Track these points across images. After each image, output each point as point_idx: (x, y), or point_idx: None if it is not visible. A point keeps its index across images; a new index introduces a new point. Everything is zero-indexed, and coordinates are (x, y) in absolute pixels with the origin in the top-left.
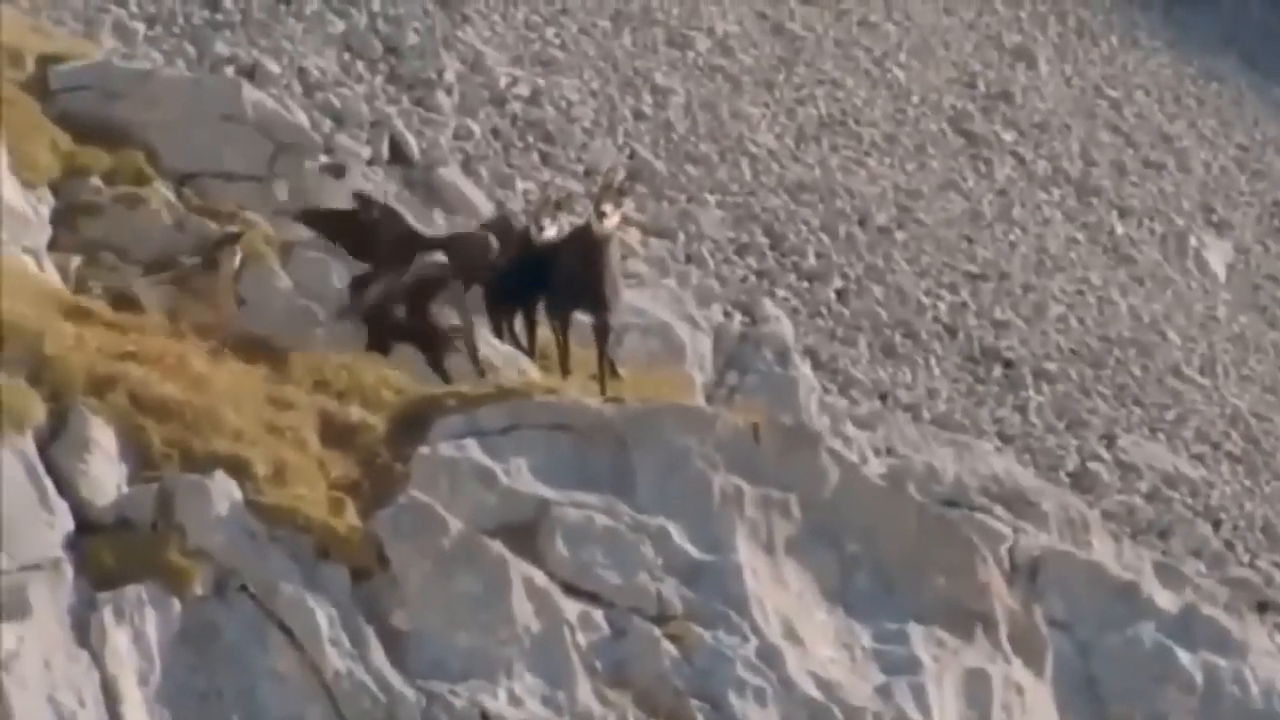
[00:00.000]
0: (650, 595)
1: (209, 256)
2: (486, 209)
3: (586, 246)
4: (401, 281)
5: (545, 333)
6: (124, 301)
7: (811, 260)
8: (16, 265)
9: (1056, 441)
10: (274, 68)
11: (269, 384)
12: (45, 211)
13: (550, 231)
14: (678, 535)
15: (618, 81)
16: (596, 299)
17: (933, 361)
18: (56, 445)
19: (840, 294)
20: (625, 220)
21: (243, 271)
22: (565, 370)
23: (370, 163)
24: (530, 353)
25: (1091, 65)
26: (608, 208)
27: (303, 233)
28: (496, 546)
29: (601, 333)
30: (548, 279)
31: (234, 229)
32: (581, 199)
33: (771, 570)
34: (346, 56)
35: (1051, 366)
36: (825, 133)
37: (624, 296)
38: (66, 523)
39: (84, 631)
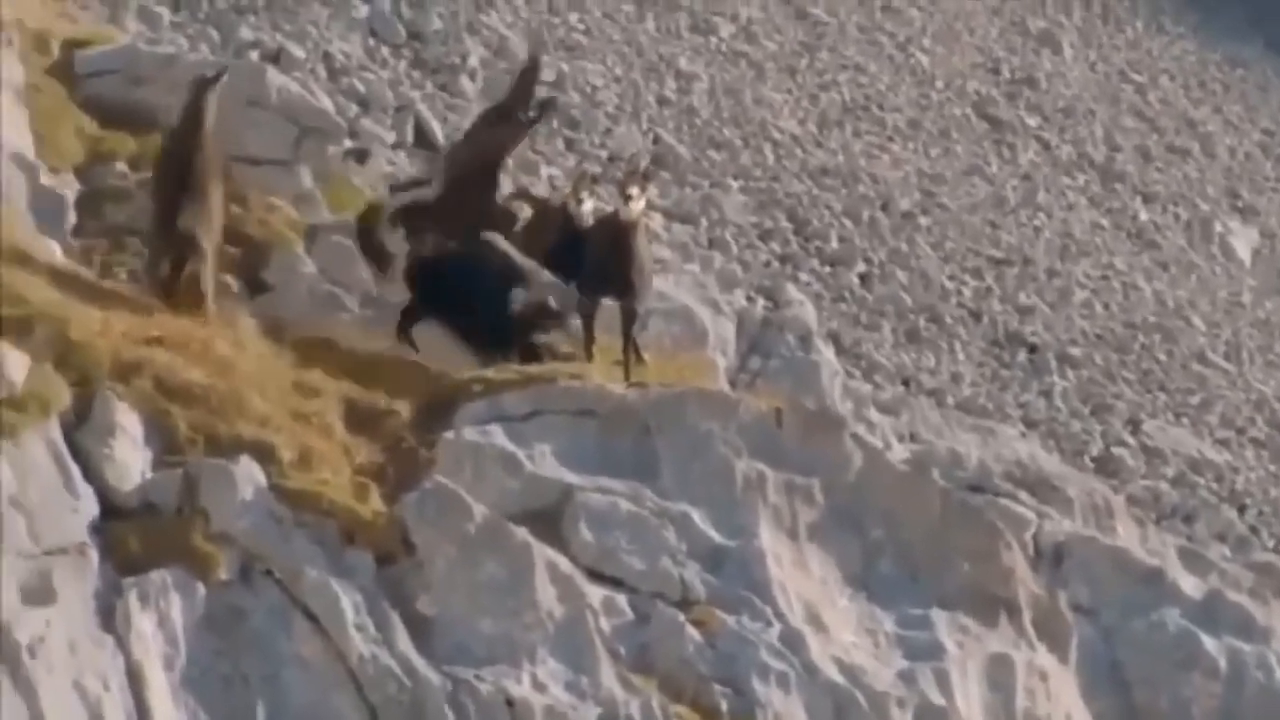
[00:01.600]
0: (674, 580)
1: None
2: (510, 193)
3: (613, 232)
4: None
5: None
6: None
7: (835, 245)
8: (42, 251)
9: (1081, 426)
10: (299, 52)
11: (295, 369)
12: (70, 197)
13: (588, 206)
14: (701, 520)
15: (641, 67)
16: (624, 285)
17: (957, 346)
18: (82, 430)
19: (864, 279)
20: (649, 206)
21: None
22: (589, 355)
23: (395, 147)
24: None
25: (1116, 50)
26: (633, 192)
27: (326, 216)
28: (521, 532)
29: (628, 319)
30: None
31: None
32: (606, 183)
33: (795, 555)
34: (371, 41)
35: (1076, 352)
36: (848, 118)
37: (653, 283)
38: (91, 508)
39: (109, 616)
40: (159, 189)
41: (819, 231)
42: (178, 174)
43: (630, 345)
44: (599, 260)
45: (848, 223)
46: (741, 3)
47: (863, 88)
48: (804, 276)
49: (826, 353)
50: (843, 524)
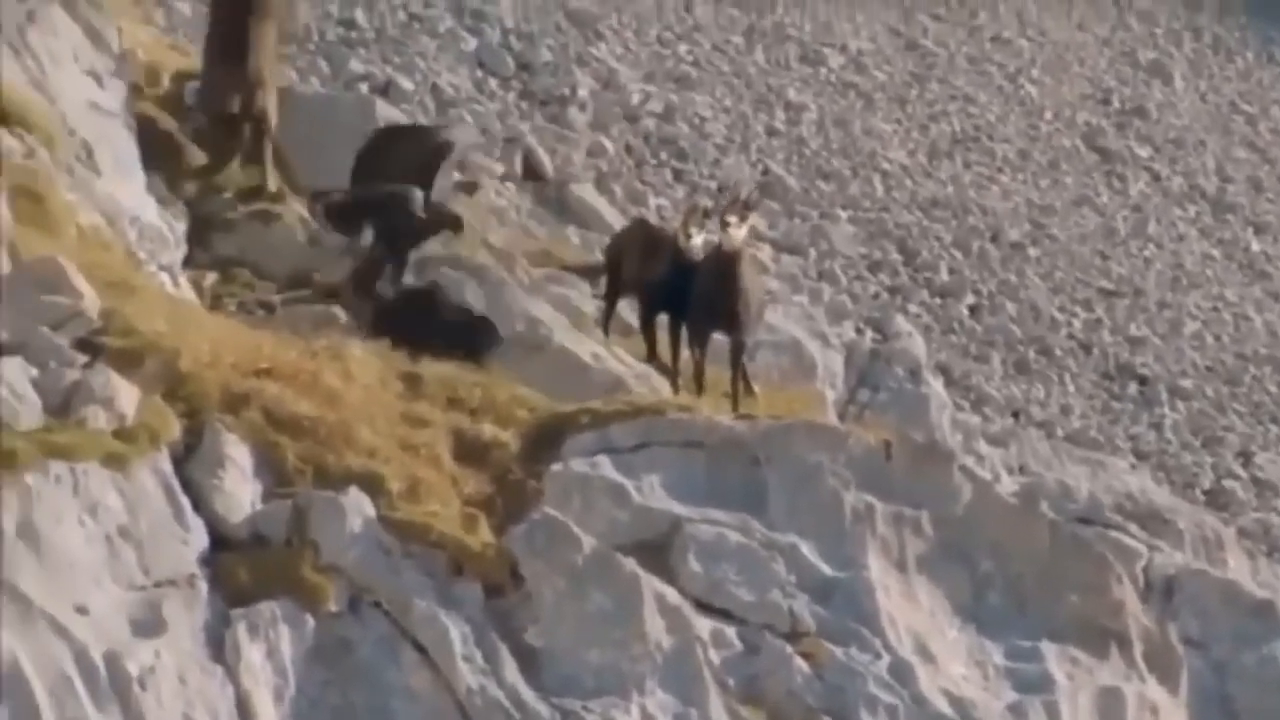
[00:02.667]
0: (782, 612)
1: None
2: (620, 226)
3: (719, 265)
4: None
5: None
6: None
7: (944, 276)
8: (153, 283)
9: (1192, 459)
10: (407, 85)
11: (403, 401)
12: (180, 229)
13: (698, 240)
14: (809, 552)
15: (750, 98)
16: (731, 318)
17: (1067, 378)
18: (192, 462)
19: (973, 310)
20: (756, 236)
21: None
22: (699, 388)
23: (503, 179)
24: (674, 370)
25: (1227, 81)
26: (732, 220)
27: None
28: (629, 563)
29: (736, 351)
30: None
31: None
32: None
33: (903, 587)
34: (479, 73)
35: (1187, 383)
36: (958, 149)
37: (763, 315)
38: (201, 539)
39: (218, 647)
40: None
41: (928, 263)
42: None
43: (738, 377)
44: (707, 294)
45: (957, 254)
46: (851, 34)
47: (972, 118)
48: (913, 308)
49: (936, 385)
50: (952, 556)
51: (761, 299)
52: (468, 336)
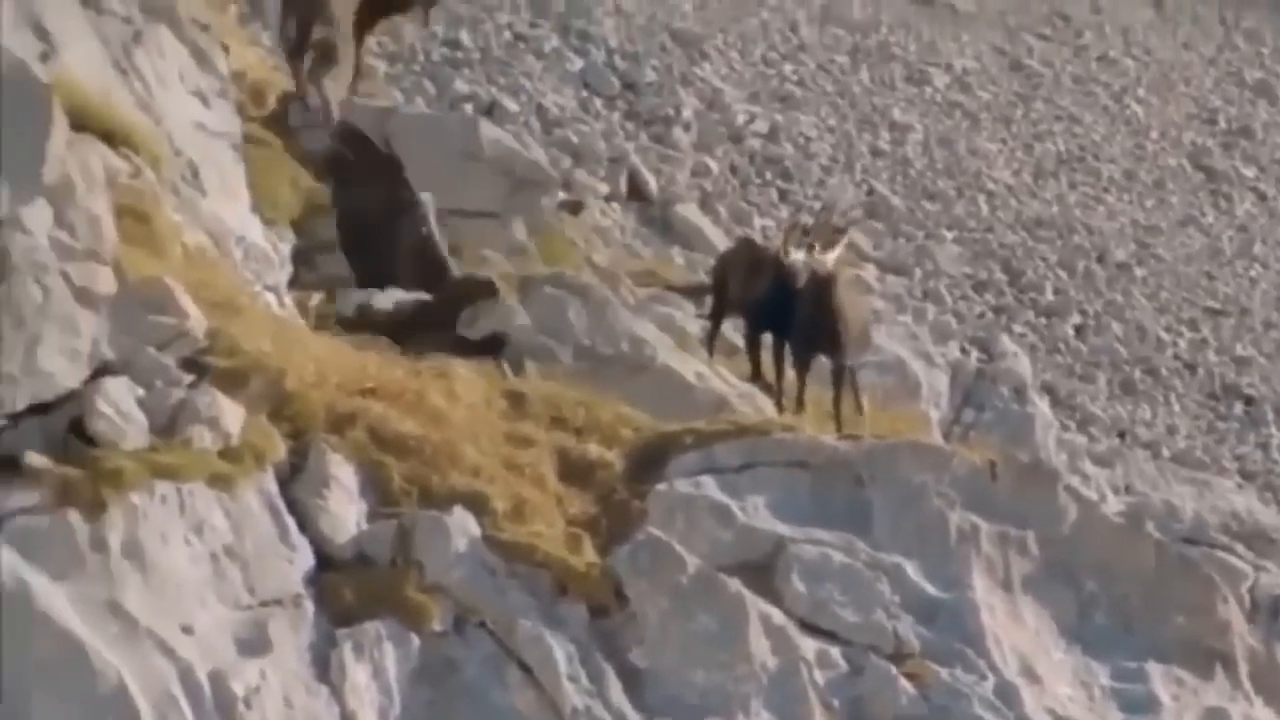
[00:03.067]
0: (887, 633)
1: None
2: (724, 246)
3: (817, 289)
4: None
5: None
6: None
7: (1050, 296)
8: (259, 304)
9: None
10: (512, 105)
11: (507, 421)
12: (286, 249)
13: (798, 258)
14: (914, 572)
15: (855, 118)
16: (832, 341)
17: (1172, 398)
18: (297, 482)
19: (1079, 330)
20: (860, 256)
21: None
22: (800, 406)
23: (608, 199)
24: (777, 389)
25: None
26: (823, 245)
27: (539, 268)
28: (733, 584)
29: (838, 373)
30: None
31: None
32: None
33: (1008, 608)
34: (584, 93)
35: None
36: (1063, 168)
37: (869, 336)
38: (306, 559)
39: (324, 667)
40: None
41: (1034, 283)
42: None
43: (840, 398)
44: (807, 318)
45: (1063, 274)
46: (956, 53)
47: (1077, 138)
48: (1018, 328)
49: (1041, 405)
50: (1057, 576)
51: (864, 320)
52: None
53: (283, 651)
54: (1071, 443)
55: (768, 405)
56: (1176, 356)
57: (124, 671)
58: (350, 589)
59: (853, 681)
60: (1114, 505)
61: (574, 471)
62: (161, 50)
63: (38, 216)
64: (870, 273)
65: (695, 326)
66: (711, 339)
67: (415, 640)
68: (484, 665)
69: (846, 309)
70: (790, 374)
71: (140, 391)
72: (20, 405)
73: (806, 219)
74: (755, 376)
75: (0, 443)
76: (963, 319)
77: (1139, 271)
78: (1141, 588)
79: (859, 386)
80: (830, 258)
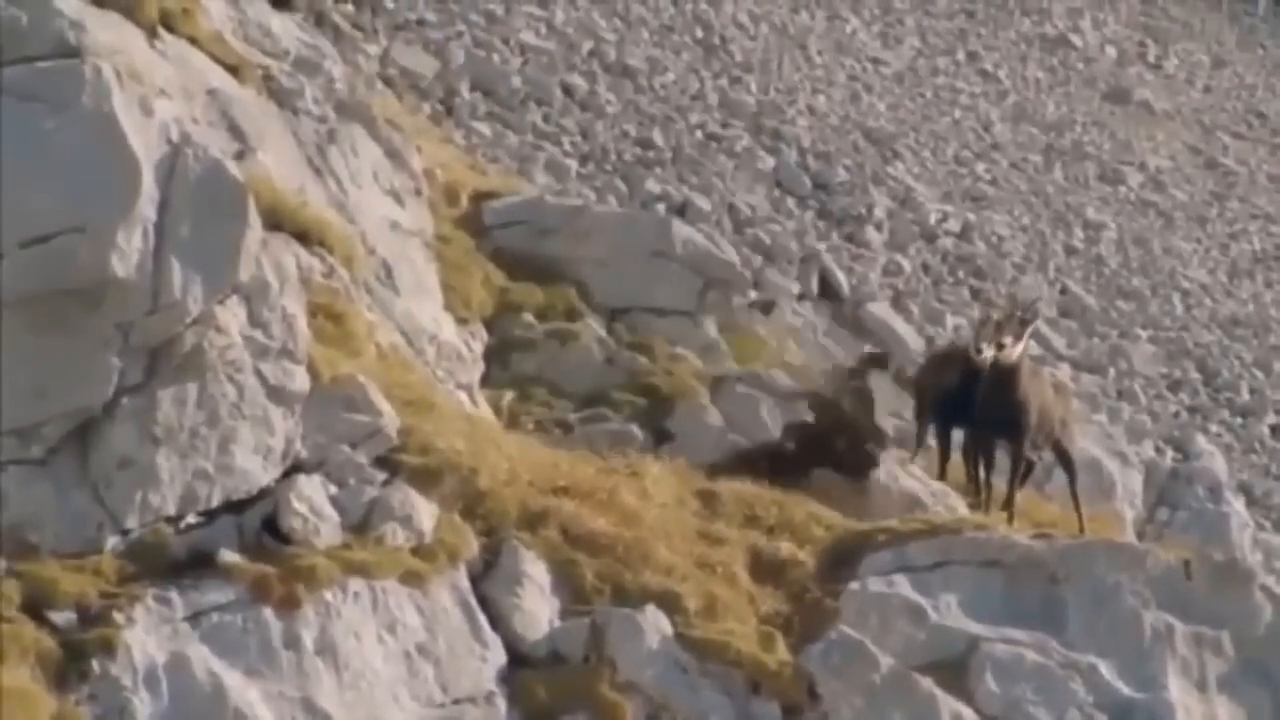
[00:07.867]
0: None
1: None
2: (916, 345)
3: (997, 374)
4: None
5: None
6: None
7: (1245, 396)
8: (451, 402)
9: None
10: (704, 204)
11: (699, 519)
12: (479, 348)
13: (989, 353)
14: (1108, 672)
15: (1049, 216)
16: (1012, 426)
17: None
18: (489, 579)
19: (1275, 430)
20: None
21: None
22: (988, 505)
23: (800, 298)
24: (985, 482)
25: None
26: (1006, 340)
27: (731, 367)
28: (926, 683)
29: (1016, 459)
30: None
31: None
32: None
33: (1204, 708)
34: (776, 193)
35: None
36: (1259, 267)
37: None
38: (499, 656)
39: None
40: None
41: (1229, 382)
42: None
43: (1015, 487)
44: (987, 401)
45: (1259, 373)
46: (1150, 152)
47: (1273, 237)
48: (1214, 427)
49: (1236, 504)
50: (1252, 676)
51: (1052, 413)
52: None
53: None
54: (1267, 542)
55: (960, 505)
56: None
57: None
58: (543, 687)
59: None
60: None
61: (766, 570)
62: (355, 149)
63: (232, 315)
64: (1064, 371)
65: (888, 425)
66: (919, 441)
67: None
68: None
69: (1031, 398)
70: (986, 475)
71: (333, 489)
72: (215, 502)
73: (997, 313)
74: (942, 474)
75: (195, 539)
76: (1158, 418)
77: None
78: None
79: (1078, 497)
80: (1017, 351)
